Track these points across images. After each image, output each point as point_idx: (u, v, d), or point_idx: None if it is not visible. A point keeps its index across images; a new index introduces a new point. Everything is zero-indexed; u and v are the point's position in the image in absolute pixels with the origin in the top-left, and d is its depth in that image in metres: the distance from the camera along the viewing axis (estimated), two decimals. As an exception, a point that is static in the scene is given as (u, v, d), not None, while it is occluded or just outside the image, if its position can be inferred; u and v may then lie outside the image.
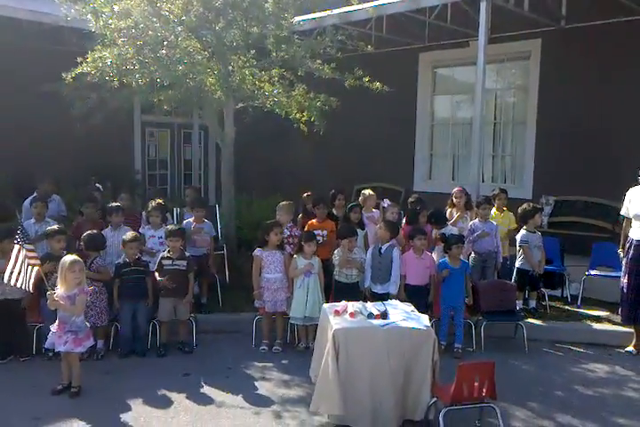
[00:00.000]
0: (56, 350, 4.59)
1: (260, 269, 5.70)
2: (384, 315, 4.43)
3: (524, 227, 6.46)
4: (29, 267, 4.48)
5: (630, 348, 5.62)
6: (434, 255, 6.09)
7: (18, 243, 4.49)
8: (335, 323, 4.28)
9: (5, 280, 4.58)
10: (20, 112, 9.05)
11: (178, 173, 12.40)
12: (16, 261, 4.49)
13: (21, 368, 5.14)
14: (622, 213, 5.71)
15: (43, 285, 4.70)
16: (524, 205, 6.58)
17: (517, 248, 6.48)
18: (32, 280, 4.51)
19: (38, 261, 4.56)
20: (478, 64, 7.25)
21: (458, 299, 5.64)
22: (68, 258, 4.61)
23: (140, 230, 6.17)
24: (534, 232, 6.45)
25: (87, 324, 4.73)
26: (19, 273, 4.49)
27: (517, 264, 6.46)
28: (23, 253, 4.47)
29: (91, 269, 5.29)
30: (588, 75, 8.55)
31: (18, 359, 5.26)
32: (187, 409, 4.42)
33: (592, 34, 8.42)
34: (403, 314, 4.53)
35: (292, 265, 5.69)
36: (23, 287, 4.57)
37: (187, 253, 5.74)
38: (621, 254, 5.66)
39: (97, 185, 7.66)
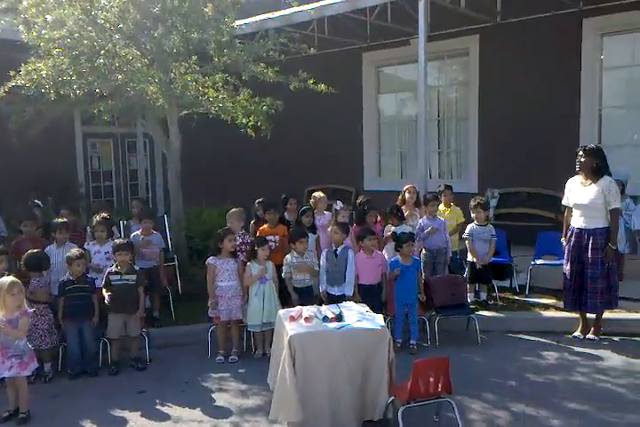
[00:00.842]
0: (0, 377, 4.42)
1: (213, 278, 5.67)
2: (339, 317, 4.45)
3: (474, 221, 6.62)
4: None
5: (577, 333, 5.82)
6: (385, 253, 6.16)
7: None
8: (290, 329, 4.28)
9: None
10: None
11: (124, 184, 12.16)
12: None
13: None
14: (563, 202, 5.90)
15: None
16: (471, 200, 6.75)
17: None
18: None
19: None
20: (419, 62, 7.38)
21: (411, 296, 5.72)
22: (6, 280, 4.43)
23: (84, 246, 6.00)
24: (485, 225, 6.61)
25: (30, 346, 4.56)
26: None
27: (468, 258, 6.61)
28: None
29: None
30: (525, 68, 8.80)
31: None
32: (143, 427, 4.34)
33: (527, 28, 8.67)
34: (357, 315, 4.56)
35: (247, 272, 5.66)
36: None
37: (136, 267, 5.63)
38: (564, 243, 5.85)
39: (36, 201, 7.40)
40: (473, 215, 6.63)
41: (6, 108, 7.41)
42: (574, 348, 5.59)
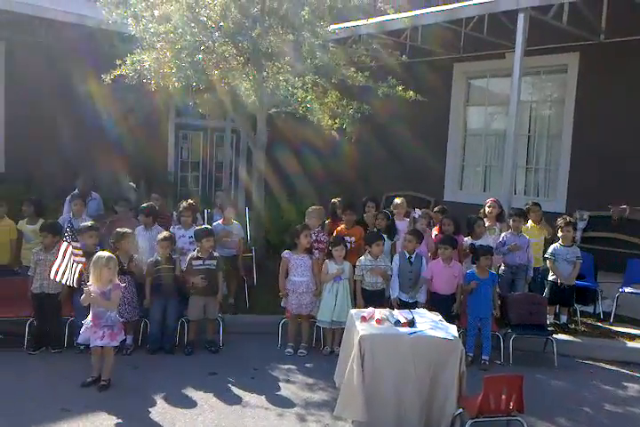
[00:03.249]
0: (92, 345, 4.65)
1: (286, 272, 5.74)
2: (411, 323, 4.40)
3: (559, 241, 6.38)
4: (74, 264, 4.61)
5: (663, 367, 5.47)
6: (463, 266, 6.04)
7: (66, 240, 4.63)
8: (362, 329, 4.27)
9: (52, 276, 4.72)
10: (62, 113, 9.28)
11: (209, 175, 12.54)
12: (63, 258, 4.63)
13: (53, 360, 5.24)
14: None
15: (79, 281, 4.79)
16: (558, 220, 6.50)
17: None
18: (76, 276, 4.65)
19: (84, 259, 4.67)
20: (514, 75, 7.20)
21: (485, 310, 5.58)
22: (104, 255, 4.70)
23: (170, 230, 6.24)
24: (571, 246, 6.35)
25: (119, 318, 4.81)
26: (65, 270, 4.64)
27: (549, 277, 6.37)
28: (70, 250, 4.60)
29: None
30: (626, 90, 8.41)
31: (49, 351, 5.37)
32: (212, 408, 4.45)
33: (631, 48, 8.29)
34: (430, 323, 4.49)
35: (324, 270, 5.71)
36: (68, 283, 4.72)
37: (215, 254, 5.80)
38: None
39: (131, 184, 7.79)
40: (560, 234, 6.36)
41: (110, 96, 7.83)
42: (659, 382, 5.26)
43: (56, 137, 9.19)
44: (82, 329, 4.66)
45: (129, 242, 5.60)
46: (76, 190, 7.06)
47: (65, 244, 4.65)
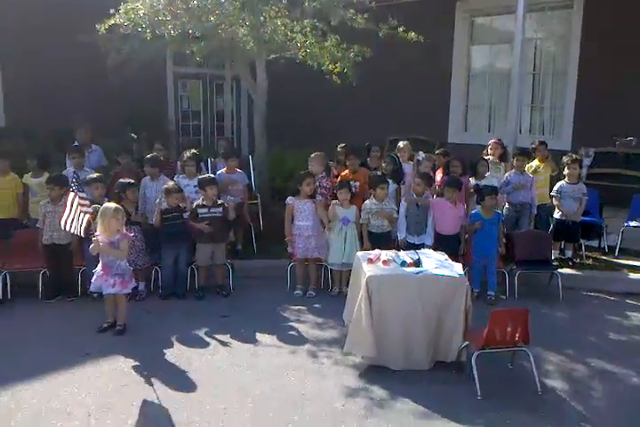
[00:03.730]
0: (104, 293, 4.76)
1: (292, 217, 5.78)
2: (417, 263, 4.46)
3: (565, 178, 6.35)
4: (82, 214, 4.65)
5: (668, 297, 5.56)
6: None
7: (73, 190, 4.67)
8: (368, 270, 4.33)
9: (62, 227, 4.78)
10: (57, 64, 9.13)
11: (210, 124, 12.40)
12: (71, 209, 4.67)
13: (68, 308, 5.39)
14: None
15: (87, 230, 4.85)
16: (563, 157, 6.45)
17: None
18: (84, 226, 4.69)
19: (90, 209, 4.72)
20: (518, 12, 6.98)
21: (490, 249, 5.62)
22: (112, 205, 4.74)
23: (174, 179, 6.24)
24: (576, 183, 6.33)
25: (129, 267, 4.89)
26: (72, 219, 4.68)
27: (555, 215, 6.38)
28: (77, 200, 4.64)
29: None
30: (633, 26, 8.14)
31: (65, 300, 5.52)
32: (226, 348, 4.59)
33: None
34: (436, 262, 4.55)
35: (331, 211, 5.74)
36: (75, 233, 4.77)
37: (220, 201, 5.82)
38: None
39: (133, 135, 7.73)
40: (566, 172, 6.35)
41: (105, 44, 7.65)
42: (663, 312, 5.35)
43: (56, 89, 9.07)
44: (93, 278, 4.75)
45: (134, 192, 5.63)
46: (76, 143, 7.03)
47: (72, 194, 4.68)
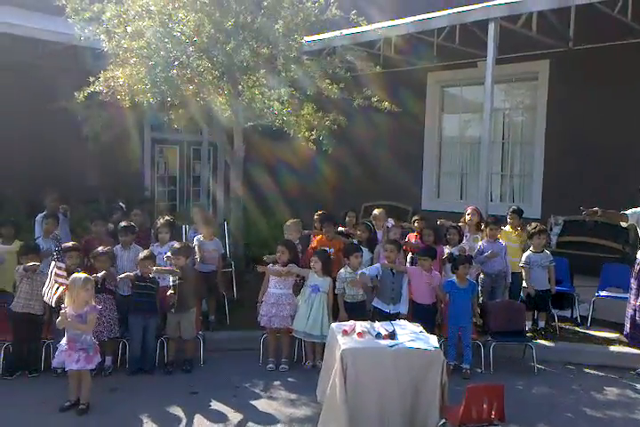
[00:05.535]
0: (67, 369, 4.58)
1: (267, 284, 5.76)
2: (392, 335, 4.42)
3: (530, 248, 6.44)
4: (56, 284, 4.58)
5: (641, 370, 5.55)
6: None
7: (54, 259, 4.64)
8: (343, 343, 4.29)
9: (44, 297, 4.70)
10: (34, 130, 9.16)
11: (187, 190, 12.47)
12: (50, 278, 4.63)
13: (29, 385, 5.14)
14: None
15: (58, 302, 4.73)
16: (528, 227, 6.57)
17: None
18: (56, 295, 4.60)
19: (66, 281, 4.61)
20: (486, 84, 7.32)
21: (465, 319, 5.61)
22: (81, 276, 4.65)
23: (150, 247, 6.17)
24: (541, 252, 6.41)
25: (95, 340, 4.74)
26: (47, 289, 4.63)
27: (524, 284, 6.42)
28: (55, 270, 4.60)
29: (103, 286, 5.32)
30: (596, 95, 8.58)
31: (26, 375, 5.27)
32: (194, 428, 4.40)
33: (600, 55, 8.46)
34: (411, 335, 4.52)
35: (303, 273, 5.76)
36: (46, 301, 4.69)
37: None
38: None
39: (121, 204, 7.69)
40: (532, 242, 6.41)
41: (83, 112, 7.76)
42: (637, 385, 5.33)
43: (28, 154, 9.07)
44: (57, 352, 4.59)
45: (106, 261, 5.54)
46: (45, 210, 6.93)
47: (53, 263, 4.64)
